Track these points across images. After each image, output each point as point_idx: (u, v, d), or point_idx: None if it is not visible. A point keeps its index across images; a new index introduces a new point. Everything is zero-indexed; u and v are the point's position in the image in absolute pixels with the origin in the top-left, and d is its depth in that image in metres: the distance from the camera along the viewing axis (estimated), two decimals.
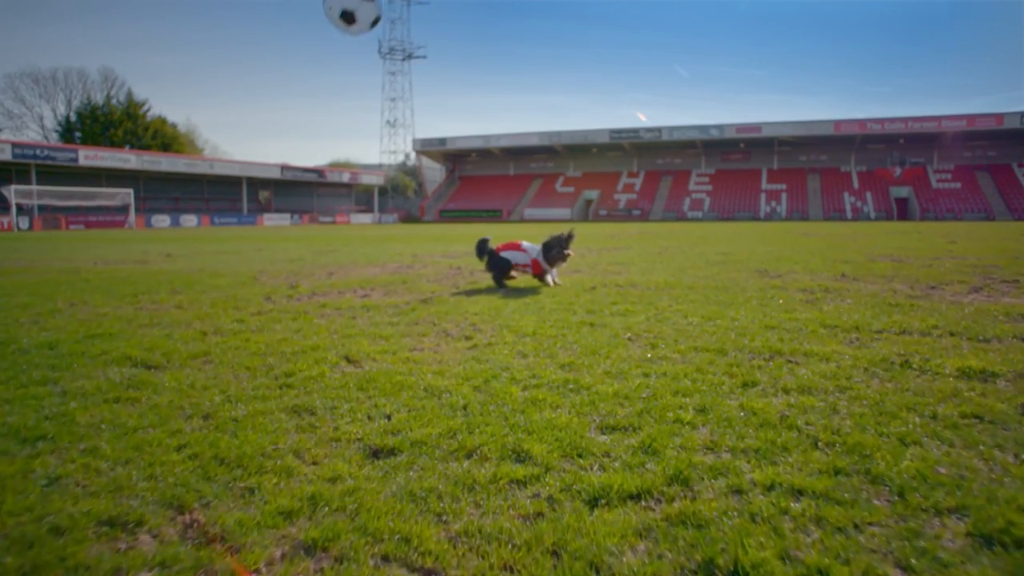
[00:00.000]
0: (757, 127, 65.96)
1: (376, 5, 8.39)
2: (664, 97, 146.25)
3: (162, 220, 52.68)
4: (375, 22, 8.63)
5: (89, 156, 50.22)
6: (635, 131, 69.28)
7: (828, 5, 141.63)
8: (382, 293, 6.65)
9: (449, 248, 14.92)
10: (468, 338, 4.14)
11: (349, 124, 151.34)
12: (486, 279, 7.57)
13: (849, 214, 60.56)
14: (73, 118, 67.32)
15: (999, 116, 59.63)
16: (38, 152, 47.86)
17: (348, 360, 3.57)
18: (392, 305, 5.67)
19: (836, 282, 7.13)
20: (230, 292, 6.83)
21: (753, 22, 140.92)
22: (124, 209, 50.01)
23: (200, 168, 58.81)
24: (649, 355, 3.63)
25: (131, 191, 50.26)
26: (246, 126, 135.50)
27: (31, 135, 66.07)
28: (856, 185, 64.49)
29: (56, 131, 67.41)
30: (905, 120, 62.27)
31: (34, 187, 45.08)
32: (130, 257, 13.24)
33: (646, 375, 3.20)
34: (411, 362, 3.51)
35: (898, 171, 64.96)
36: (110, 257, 13.30)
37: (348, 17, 8.08)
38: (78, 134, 65.38)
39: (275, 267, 10.09)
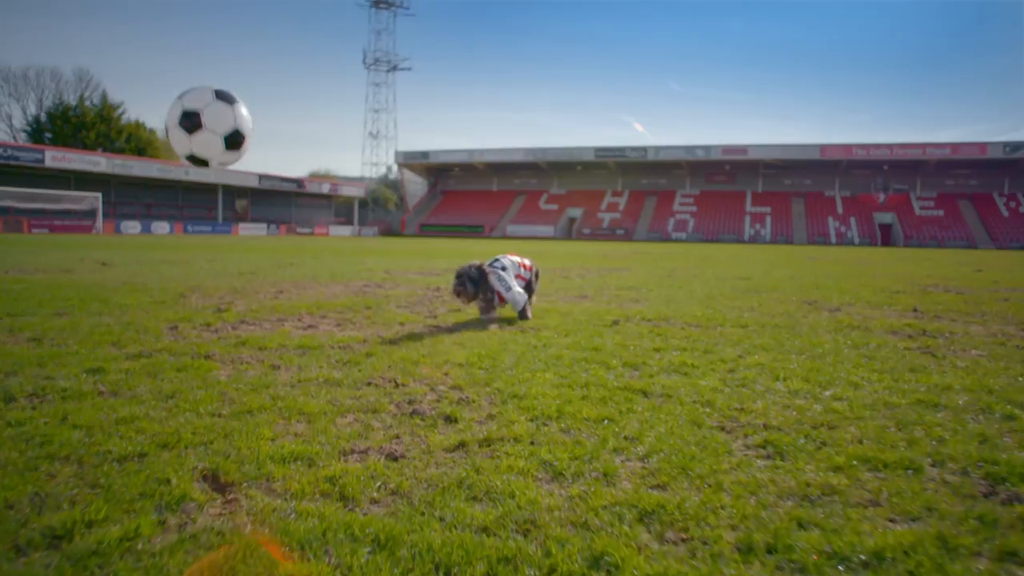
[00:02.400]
0: (743, 149, 65.43)
1: (236, 114, 4.12)
2: (649, 118, 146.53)
3: (132, 227, 50.32)
4: (233, 141, 4.14)
5: (56, 158, 47.82)
6: (620, 149, 68.41)
7: (813, 32, 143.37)
8: (333, 323, 4.95)
9: (428, 264, 13.26)
10: (450, 421, 2.48)
11: (331, 135, 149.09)
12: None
13: (833, 239, 60.03)
14: (43, 118, 64.56)
15: (982, 145, 59.73)
16: (1, 152, 45.38)
17: (211, 483, 1.87)
18: (341, 345, 3.99)
19: (920, 320, 5.60)
20: (132, 316, 5.10)
21: (741, 49, 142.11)
22: (92, 214, 47.61)
23: (174, 174, 56.50)
24: (788, 479, 2.00)
25: (99, 195, 47.88)
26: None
27: None
28: (840, 210, 64.11)
29: (25, 131, 64.58)
30: (890, 146, 62.16)
31: None
32: (58, 265, 11.38)
33: (824, 553, 1.56)
34: (338, 496, 1.82)
35: (882, 197, 64.76)
36: (36, 264, 11.42)
37: (191, 122, 3.94)
38: (48, 135, 62.60)
39: (217, 282, 8.34)
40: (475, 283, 4.98)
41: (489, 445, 2.18)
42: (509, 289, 5.09)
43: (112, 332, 4.33)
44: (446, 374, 3.25)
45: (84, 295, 6.59)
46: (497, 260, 5.30)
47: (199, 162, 3.62)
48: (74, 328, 4.55)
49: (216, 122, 3.41)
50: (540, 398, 2.75)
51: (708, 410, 2.68)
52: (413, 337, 4.27)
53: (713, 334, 4.69)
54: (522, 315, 5.15)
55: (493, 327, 4.78)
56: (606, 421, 2.47)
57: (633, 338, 4.42)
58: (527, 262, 5.49)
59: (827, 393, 3.00)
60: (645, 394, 2.92)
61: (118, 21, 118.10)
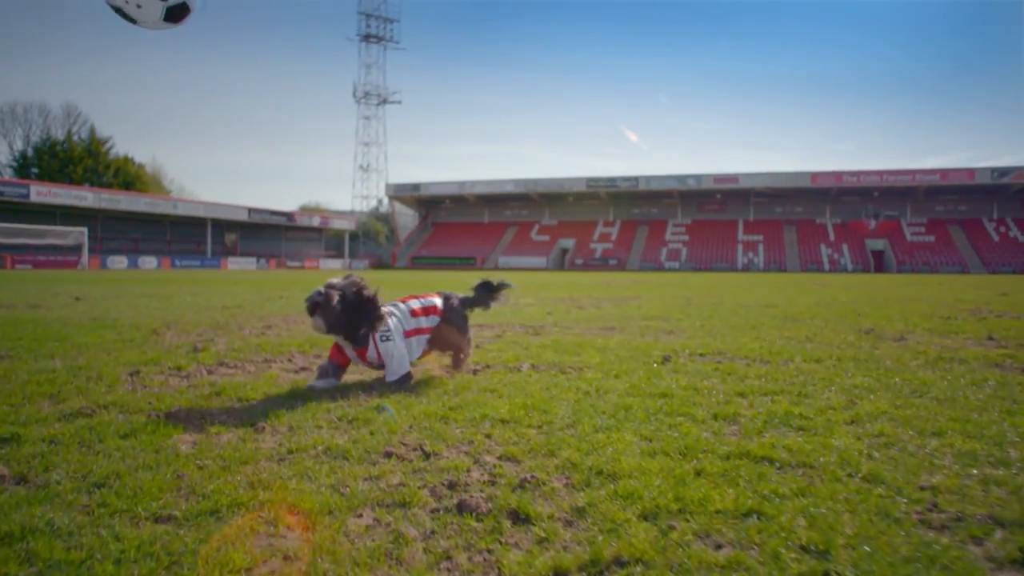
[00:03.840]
0: (734, 177, 65.51)
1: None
2: (635, 151, 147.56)
3: (119, 261, 49.27)
4: (175, 12, 3.07)
5: (42, 192, 46.91)
6: (612, 180, 68.33)
7: (795, 62, 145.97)
8: None
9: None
10: (520, 521, 1.63)
11: (321, 168, 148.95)
12: (494, 338, 5.08)
13: (827, 266, 59.82)
14: (30, 153, 63.77)
15: (970, 171, 60.14)
16: None
17: None
18: (340, 392, 3.14)
19: (1007, 348, 4.82)
20: (89, 359, 4.23)
21: (725, 79, 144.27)
22: (77, 249, 46.55)
23: (162, 208, 55.66)
24: None
25: (85, 230, 46.89)
26: (215, 168, 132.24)
27: None
28: (832, 237, 64.07)
29: (11, 166, 63.66)
30: (880, 173, 62.45)
31: None
32: (28, 300, 10.45)
33: None
34: None
35: (873, 224, 64.83)
36: (3, 299, 10.49)
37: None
38: (35, 170, 61.74)
39: (197, 316, 7.47)
40: (348, 311, 3.33)
41: (601, 575, 1.35)
42: (388, 339, 3.43)
43: (55, 381, 3.46)
44: (488, 436, 2.41)
45: (41, 333, 5.72)
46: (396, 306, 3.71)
47: (125, 16, 2.69)
48: (8, 376, 3.68)
49: None
50: (638, 476, 1.91)
51: (881, 490, 1.85)
52: (432, 383, 3.43)
53: (788, 371, 3.89)
54: (397, 382, 3.38)
55: (533, 376, 3.93)
56: (756, 517, 1.64)
57: (699, 378, 3.61)
58: (436, 302, 3.78)
59: (1014, 454, 2.20)
60: (774, 463, 2.09)
61: (108, 58, 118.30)
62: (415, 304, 3.71)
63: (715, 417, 2.72)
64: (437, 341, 3.72)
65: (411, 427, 2.53)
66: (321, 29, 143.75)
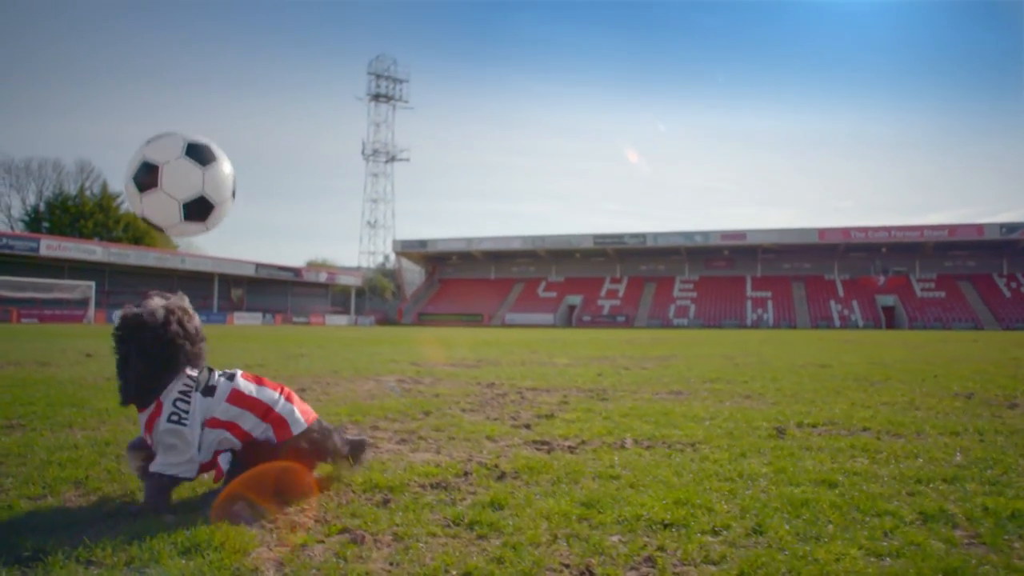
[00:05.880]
0: (742, 234, 65.57)
1: (206, 178, 2.49)
2: (635, 207, 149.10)
3: None
4: (195, 210, 2.47)
5: (52, 247, 47.00)
6: (619, 236, 68.43)
7: (792, 118, 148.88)
8: (395, 438, 3.51)
9: (453, 354, 11.85)
10: None
11: (329, 224, 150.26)
12: (559, 404, 4.50)
13: (837, 322, 59.18)
14: (43, 208, 64.28)
15: (979, 227, 60.21)
16: None
17: None
18: (433, 482, 2.56)
19: None
20: (113, 431, 3.66)
21: (726, 134, 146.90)
22: (84, 303, 46.28)
23: (170, 263, 55.69)
24: None
25: (92, 284, 46.71)
26: (223, 225, 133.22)
27: None
28: (841, 293, 63.64)
29: (23, 221, 64.06)
30: (888, 229, 62.50)
31: None
32: (37, 357, 9.90)
33: None
34: None
35: (882, 279, 64.49)
36: (11, 356, 9.93)
37: (147, 177, 2.38)
38: (46, 224, 62.11)
39: None
40: (144, 357, 2.19)
41: None
42: (172, 431, 2.20)
43: (79, 461, 2.89)
44: (663, 549, 1.83)
45: (55, 396, 5.16)
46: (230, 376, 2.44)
47: (153, 227, 2.24)
48: (24, 451, 3.11)
49: (176, 184, 2.08)
50: None
51: None
52: (532, 467, 2.84)
53: (936, 447, 3.29)
54: (149, 501, 2.19)
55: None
56: None
57: (844, 458, 3.02)
58: (294, 416, 2.42)
59: None
60: None
61: (122, 116, 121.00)
62: (252, 389, 2.40)
63: (924, 517, 2.14)
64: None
65: (553, 535, 1.95)
66: (331, 89, 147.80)
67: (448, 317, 66.15)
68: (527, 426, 3.94)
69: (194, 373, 2.29)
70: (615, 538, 1.93)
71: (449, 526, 2.03)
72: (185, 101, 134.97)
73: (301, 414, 2.44)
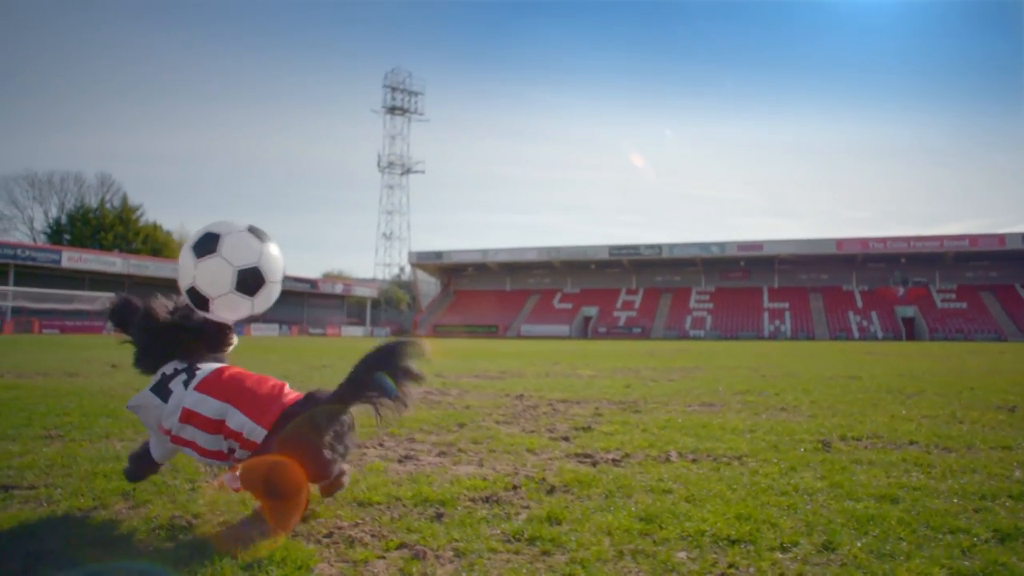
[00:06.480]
0: (759, 245, 65.11)
1: (263, 251, 2.50)
2: (650, 218, 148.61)
3: None
4: (248, 280, 2.41)
5: (73, 258, 47.79)
6: (635, 248, 68.22)
7: (809, 130, 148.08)
8: (434, 451, 3.47)
9: (474, 365, 11.81)
10: None
11: (345, 236, 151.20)
12: (593, 416, 4.44)
13: (856, 334, 58.44)
14: (64, 220, 65.37)
15: (1001, 236, 59.34)
16: (19, 252, 45.29)
17: None
18: (483, 495, 2.52)
19: None
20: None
21: (736, 148, 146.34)
22: (103, 314, 46.83)
23: None
24: None
25: (113, 295, 47.18)
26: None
27: (19, 237, 63.49)
28: (860, 304, 62.91)
29: (45, 233, 65.14)
30: (907, 239, 61.78)
31: (9, 288, 42.19)
32: (63, 367, 9.99)
33: None
34: None
35: (902, 291, 63.68)
36: (38, 366, 10.04)
37: (206, 245, 2.41)
38: (67, 236, 63.12)
39: None
40: (162, 345, 2.40)
41: None
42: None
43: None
44: (734, 567, 1.78)
45: (88, 407, 5.20)
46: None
47: (199, 300, 2.22)
48: (68, 462, 3.12)
49: (235, 251, 2.09)
50: None
51: None
52: (581, 480, 2.79)
53: (991, 461, 3.20)
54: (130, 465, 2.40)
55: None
56: None
57: (897, 472, 2.94)
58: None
59: None
60: None
61: (143, 131, 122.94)
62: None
63: (999, 536, 2.06)
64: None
65: (618, 552, 1.90)
66: (347, 102, 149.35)
67: (463, 328, 66.15)
68: (565, 438, 3.89)
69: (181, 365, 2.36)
70: (682, 554, 1.88)
71: (509, 541, 1.99)
72: (204, 116, 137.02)
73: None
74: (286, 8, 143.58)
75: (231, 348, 2.58)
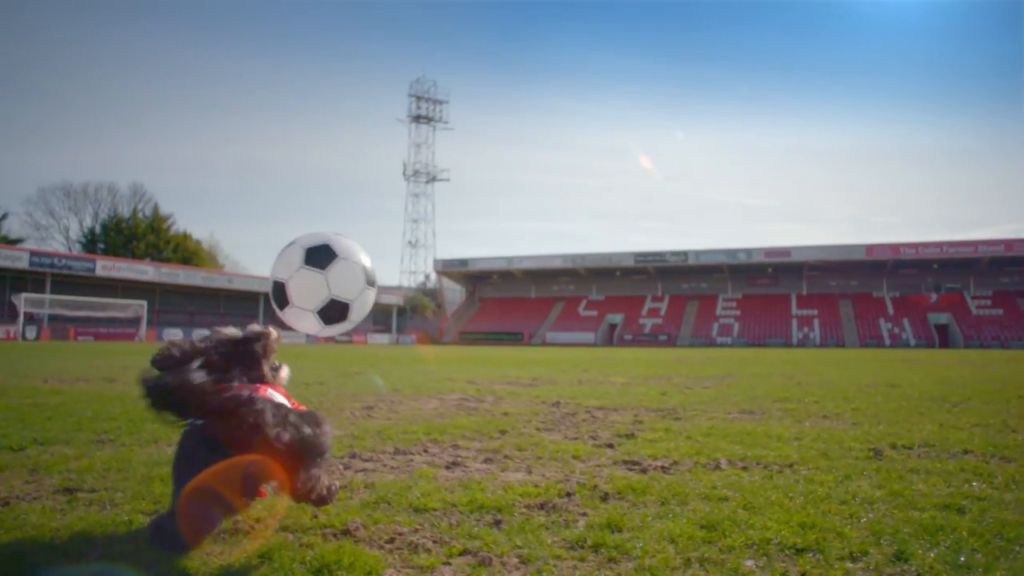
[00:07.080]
0: (786, 251, 64.24)
1: (329, 281, 2.43)
2: (675, 224, 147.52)
3: (174, 334, 50.43)
4: (332, 314, 2.47)
5: (107, 267, 49.01)
6: (660, 254, 67.77)
7: (839, 135, 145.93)
8: (480, 458, 3.48)
9: (506, 372, 11.82)
10: None
11: (370, 244, 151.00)
12: (634, 423, 4.40)
13: (887, 341, 57.21)
14: (98, 230, 67.10)
15: None
16: (55, 261, 46.66)
17: None
18: (539, 502, 2.51)
19: None
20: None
21: (762, 154, 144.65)
22: (136, 321, 47.94)
23: (218, 282, 57.34)
24: None
25: (144, 303, 48.37)
26: (268, 244, 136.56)
27: (55, 246, 65.34)
28: (891, 311, 61.63)
29: (80, 242, 66.92)
30: (940, 244, 60.48)
31: (46, 296, 43.46)
32: (101, 373, 10.22)
33: None
34: None
35: (934, 297, 62.27)
36: (78, 372, 10.28)
37: (280, 297, 2.51)
38: (101, 245, 64.81)
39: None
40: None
41: None
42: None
43: None
44: None
45: (133, 413, 5.30)
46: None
47: (280, 297, 2.23)
48: (124, 467, 3.18)
49: (304, 296, 2.07)
50: None
51: None
52: (633, 487, 2.77)
53: None
54: None
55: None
56: None
57: (958, 481, 2.87)
58: None
59: None
60: None
61: (173, 143, 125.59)
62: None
63: None
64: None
65: (685, 560, 1.88)
66: (372, 112, 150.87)
67: (488, 336, 66.24)
68: (610, 446, 3.86)
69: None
70: (750, 563, 1.85)
71: (572, 548, 1.98)
72: (234, 126, 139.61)
73: None
74: (312, 22, 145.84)
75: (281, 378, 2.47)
